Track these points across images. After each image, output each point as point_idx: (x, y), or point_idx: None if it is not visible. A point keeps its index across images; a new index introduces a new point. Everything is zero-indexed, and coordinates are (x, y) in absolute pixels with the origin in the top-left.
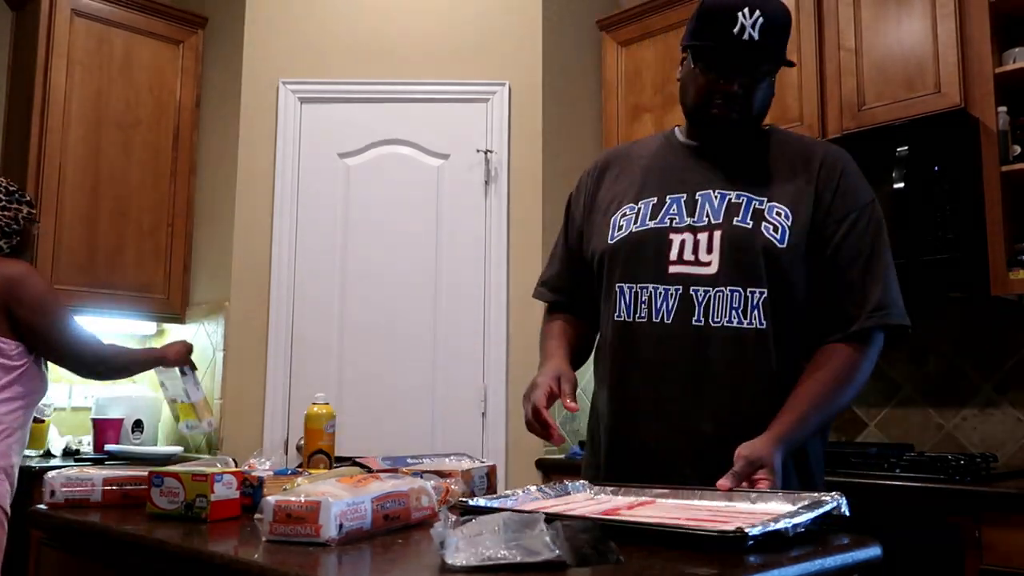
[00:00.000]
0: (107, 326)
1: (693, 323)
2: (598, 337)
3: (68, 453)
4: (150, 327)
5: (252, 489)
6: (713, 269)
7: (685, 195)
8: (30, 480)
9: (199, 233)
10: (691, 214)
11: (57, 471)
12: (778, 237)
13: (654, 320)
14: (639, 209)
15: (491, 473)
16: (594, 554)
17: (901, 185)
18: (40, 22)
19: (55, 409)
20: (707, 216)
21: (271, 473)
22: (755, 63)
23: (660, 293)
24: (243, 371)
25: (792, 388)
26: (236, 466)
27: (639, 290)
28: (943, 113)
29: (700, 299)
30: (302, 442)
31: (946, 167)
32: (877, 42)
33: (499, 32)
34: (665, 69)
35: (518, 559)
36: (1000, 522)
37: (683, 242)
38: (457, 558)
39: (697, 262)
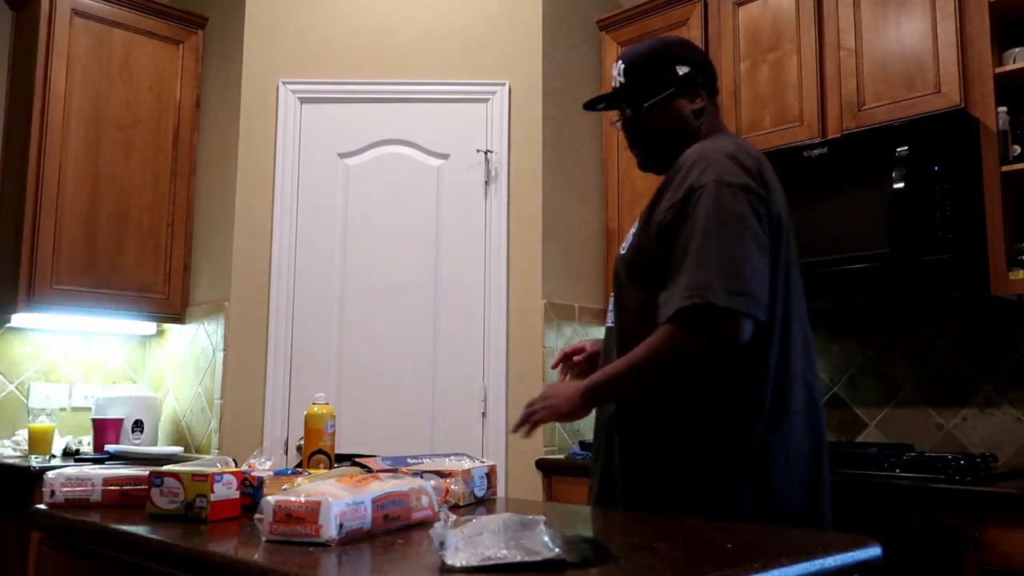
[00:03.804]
0: (107, 326)
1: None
2: None
3: (68, 453)
4: (150, 327)
5: (252, 489)
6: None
7: None
8: (30, 480)
9: (199, 233)
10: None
11: (57, 471)
12: (624, 247)
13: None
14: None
15: (491, 473)
16: (594, 554)
17: (901, 185)
18: (40, 22)
19: (56, 409)
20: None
21: (271, 473)
22: (617, 104)
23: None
24: (243, 371)
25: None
26: (236, 466)
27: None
28: (943, 113)
29: (611, 306)
30: (302, 442)
31: (946, 167)
32: (877, 42)
33: (499, 32)
34: None
35: (518, 559)
36: (1000, 522)
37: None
38: (457, 558)
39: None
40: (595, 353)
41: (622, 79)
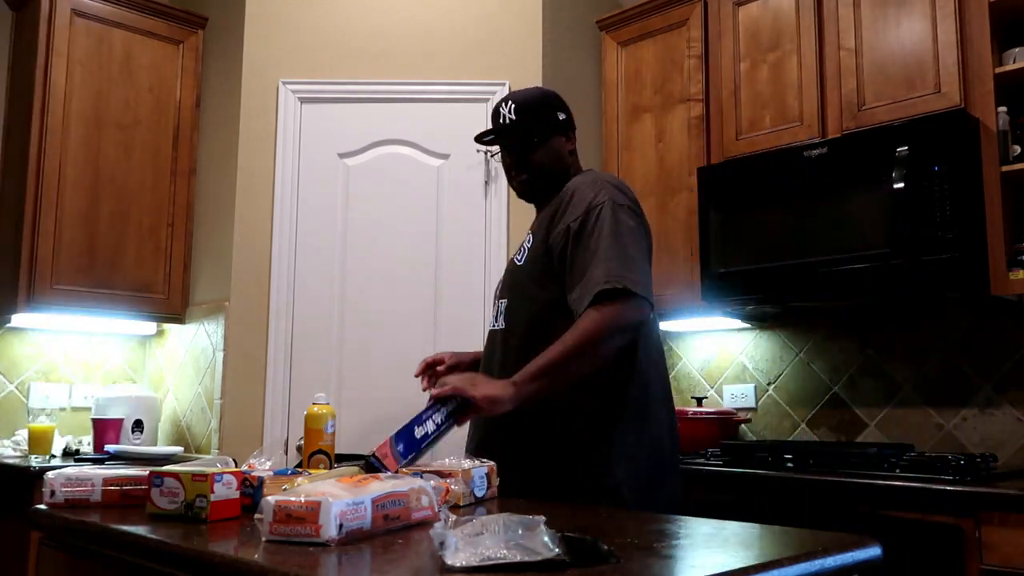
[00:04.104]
0: (107, 326)
1: (491, 329)
2: None
3: (68, 453)
4: (150, 327)
5: (252, 489)
6: (500, 290)
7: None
8: (30, 480)
9: (199, 233)
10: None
11: (57, 471)
12: (519, 258)
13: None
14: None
15: (491, 473)
16: (594, 554)
17: (901, 185)
18: (40, 22)
19: (56, 409)
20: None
21: (271, 473)
22: (510, 140)
23: (497, 307)
24: (243, 371)
25: (516, 369)
26: (236, 466)
27: (497, 304)
28: (943, 113)
29: (502, 310)
30: (302, 442)
31: (946, 167)
32: (877, 42)
33: (499, 32)
34: (665, 69)
35: (518, 559)
36: (1000, 522)
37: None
38: (457, 558)
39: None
40: (457, 364)
41: (513, 117)
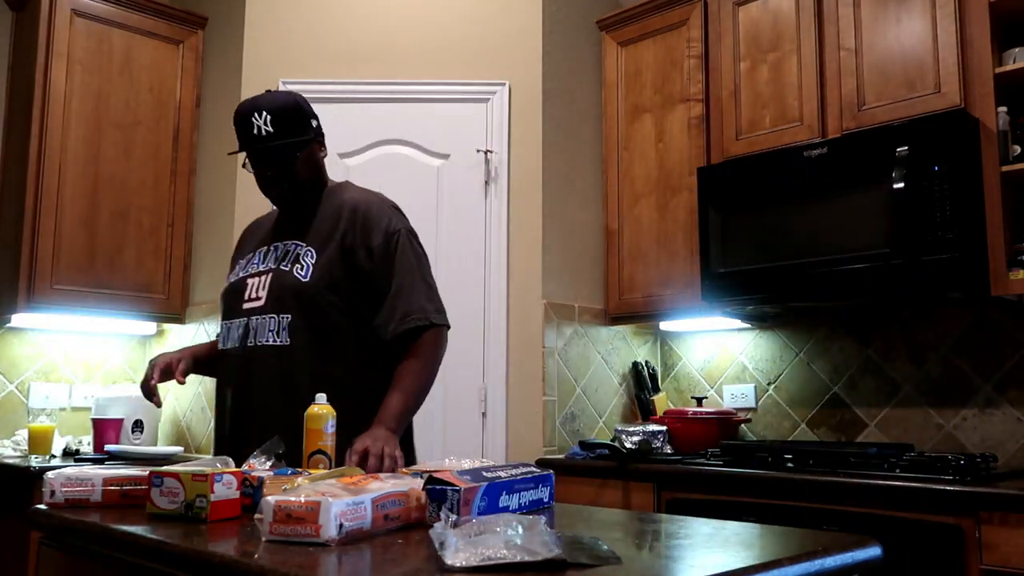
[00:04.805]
0: (107, 326)
1: (247, 344)
2: None
3: (68, 453)
4: (150, 327)
5: (252, 489)
6: (262, 303)
7: (265, 248)
8: (30, 480)
9: (199, 233)
10: (263, 262)
11: (57, 471)
12: (303, 274)
13: (228, 346)
14: (243, 263)
15: None
16: (594, 554)
17: (901, 185)
18: (40, 22)
19: (56, 409)
20: (267, 263)
21: (271, 473)
22: (274, 151)
23: (234, 325)
24: None
25: (314, 386)
26: (236, 466)
27: (227, 325)
28: (943, 113)
29: (253, 326)
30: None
31: (946, 167)
32: (877, 42)
33: (499, 32)
34: (665, 69)
35: (518, 559)
36: (1000, 522)
37: (254, 284)
38: (457, 558)
39: (256, 299)
40: (189, 367)
41: (270, 128)
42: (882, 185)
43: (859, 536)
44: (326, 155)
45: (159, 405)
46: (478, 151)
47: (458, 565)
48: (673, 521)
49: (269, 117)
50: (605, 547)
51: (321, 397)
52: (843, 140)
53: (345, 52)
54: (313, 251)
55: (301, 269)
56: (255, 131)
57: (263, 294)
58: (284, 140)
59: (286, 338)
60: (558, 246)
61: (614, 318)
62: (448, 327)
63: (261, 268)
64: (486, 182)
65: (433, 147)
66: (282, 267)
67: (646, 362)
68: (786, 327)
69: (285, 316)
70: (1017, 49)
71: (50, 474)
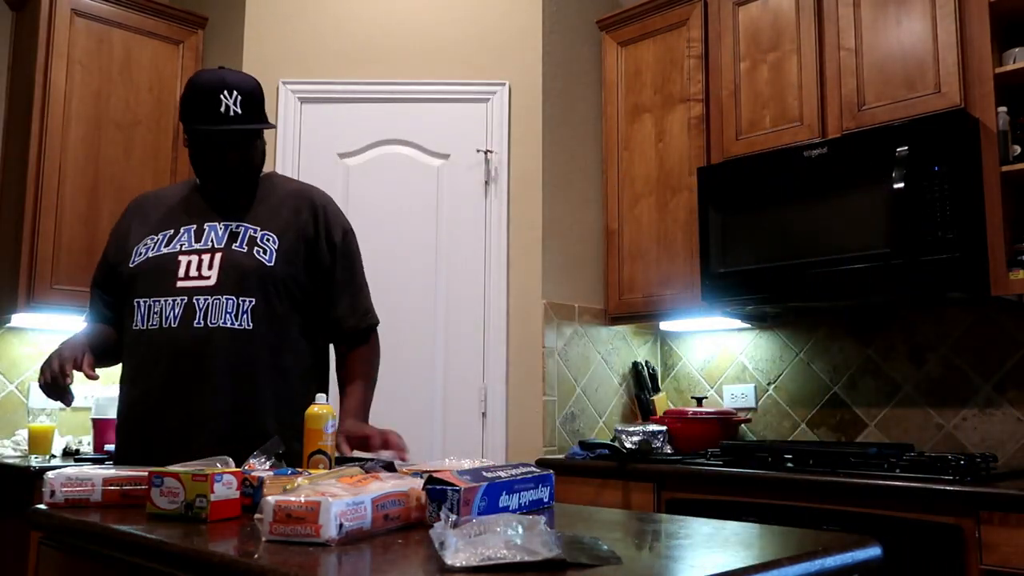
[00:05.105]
0: None
1: (195, 325)
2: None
3: (68, 453)
4: None
5: (252, 489)
6: (212, 282)
7: (195, 226)
8: (30, 480)
9: None
10: (198, 240)
11: (57, 471)
12: (267, 258)
13: (164, 326)
14: (157, 239)
15: None
16: (594, 554)
17: (901, 185)
18: (40, 22)
19: (56, 409)
20: (211, 242)
21: (271, 473)
22: (243, 134)
23: (168, 303)
24: None
25: (269, 373)
26: (236, 466)
27: (152, 303)
28: (943, 113)
29: (201, 306)
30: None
31: (946, 167)
32: (877, 42)
33: (499, 32)
34: (665, 69)
35: (518, 559)
36: (1000, 522)
37: (192, 262)
38: (457, 558)
39: (200, 277)
40: (93, 359)
41: (239, 109)
42: (882, 185)
43: (859, 536)
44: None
45: (70, 404)
46: (478, 151)
47: (458, 565)
48: (673, 521)
49: (240, 98)
50: (605, 547)
51: (321, 397)
52: (843, 140)
53: (345, 52)
54: (273, 236)
55: (264, 253)
56: (223, 109)
57: (211, 273)
58: (255, 124)
59: (248, 322)
60: (558, 246)
61: (614, 318)
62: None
63: (200, 246)
64: (486, 182)
65: (433, 147)
66: (234, 247)
67: (646, 362)
68: (786, 327)
69: (247, 299)
70: (1017, 49)
71: (50, 474)
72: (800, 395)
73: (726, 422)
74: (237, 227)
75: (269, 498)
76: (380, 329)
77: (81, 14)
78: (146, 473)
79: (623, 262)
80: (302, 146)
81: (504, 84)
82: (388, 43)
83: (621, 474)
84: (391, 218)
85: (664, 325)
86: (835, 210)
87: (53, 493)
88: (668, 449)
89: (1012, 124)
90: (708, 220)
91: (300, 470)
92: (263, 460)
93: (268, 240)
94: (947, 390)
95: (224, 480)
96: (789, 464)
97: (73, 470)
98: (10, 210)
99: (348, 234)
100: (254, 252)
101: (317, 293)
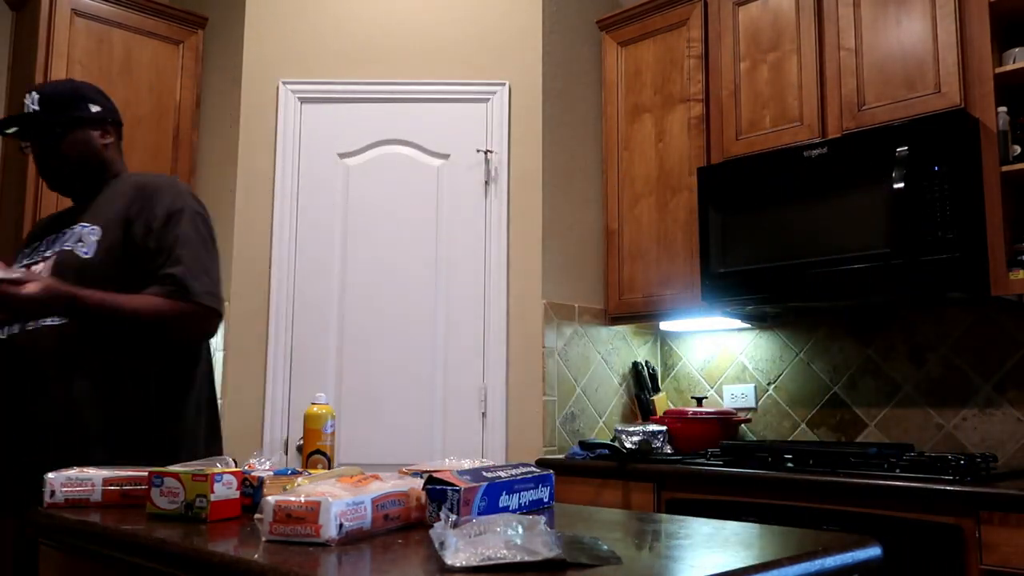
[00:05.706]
0: None
1: (27, 328)
2: None
3: None
4: None
5: (252, 489)
6: None
7: (53, 236)
8: None
9: None
10: (49, 248)
11: (57, 471)
12: (87, 251)
13: (11, 332)
14: (25, 253)
15: None
16: (594, 554)
17: (901, 185)
18: (40, 22)
19: None
20: (52, 248)
21: (271, 473)
22: (38, 127)
23: None
24: (243, 371)
25: (85, 370)
26: (236, 466)
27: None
28: (943, 113)
29: None
30: (302, 442)
31: (946, 167)
32: (877, 42)
33: (499, 32)
34: (665, 69)
35: (518, 559)
36: (1000, 522)
37: (36, 271)
38: (457, 558)
39: None
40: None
41: (36, 107)
42: (882, 185)
43: (859, 536)
44: (112, 142)
45: None
46: (478, 151)
47: (458, 565)
48: (673, 521)
49: (38, 97)
50: (605, 547)
51: (321, 397)
52: (843, 140)
53: (345, 52)
54: (98, 229)
55: (84, 247)
56: (24, 109)
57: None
58: (44, 119)
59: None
60: (558, 246)
61: (614, 318)
62: (218, 314)
63: (47, 254)
64: (486, 182)
65: (433, 147)
66: (64, 247)
67: (646, 362)
68: (786, 327)
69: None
70: (1017, 49)
71: (50, 474)
72: (800, 395)
73: (726, 422)
74: (74, 227)
75: (269, 498)
76: (380, 328)
77: (81, 14)
78: (146, 473)
79: (623, 262)
80: (302, 146)
81: (504, 84)
82: (388, 43)
83: (621, 474)
84: (391, 218)
85: (664, 325)
86: (835, 210)
87: (53, 493)
88: (668, 449)
89: (1012, 124)
90: (708, 220)
91: (300, 470)
92: (263, 460)
93: (92, 235)
94: (947, 390)
95: (224, 480)
96: (789, 464)
97: (73, 470)
98: (10, 210)
99: (176, 213)
100: (76, 249)
101: (144, 278)
